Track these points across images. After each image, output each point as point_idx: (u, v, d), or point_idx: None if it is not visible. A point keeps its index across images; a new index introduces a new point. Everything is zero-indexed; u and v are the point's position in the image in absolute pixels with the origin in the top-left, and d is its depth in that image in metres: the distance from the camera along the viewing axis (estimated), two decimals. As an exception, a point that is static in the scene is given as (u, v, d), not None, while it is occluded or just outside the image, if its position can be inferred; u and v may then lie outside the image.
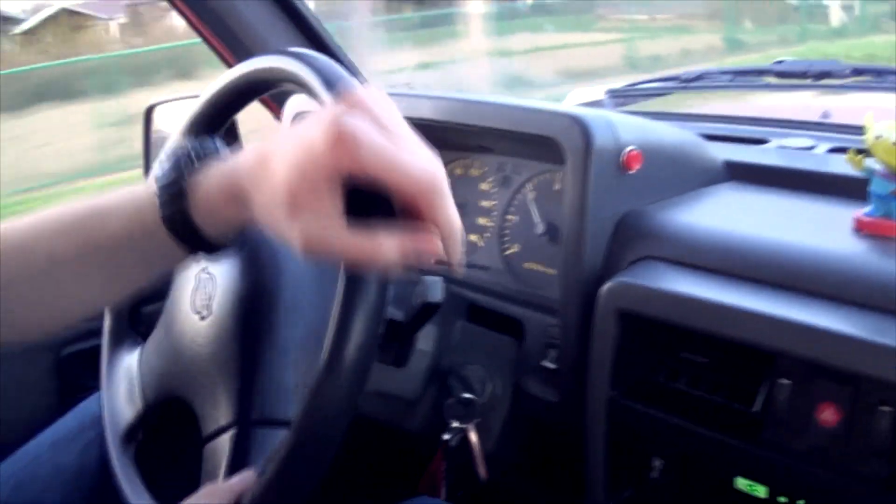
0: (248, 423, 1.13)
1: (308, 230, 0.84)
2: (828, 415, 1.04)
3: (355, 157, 0.80)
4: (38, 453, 1.43)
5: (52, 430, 1.47)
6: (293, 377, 1.15)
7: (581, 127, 1.30)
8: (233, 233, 0.97)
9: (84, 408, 1.48)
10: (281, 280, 1.17)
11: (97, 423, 1.40)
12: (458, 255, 0.89)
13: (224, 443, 1.14)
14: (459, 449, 1.38)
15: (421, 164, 0.83)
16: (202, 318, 1.20)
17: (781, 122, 1.76)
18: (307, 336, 1.16)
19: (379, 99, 0.86)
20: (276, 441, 1.07)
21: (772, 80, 1.78)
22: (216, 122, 1.27)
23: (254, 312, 1.16)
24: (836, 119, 1.75)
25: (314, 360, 1.01)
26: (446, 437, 1.37)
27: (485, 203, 1.60)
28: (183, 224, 0.95)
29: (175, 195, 0.95)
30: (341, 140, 0.80)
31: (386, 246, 0.83)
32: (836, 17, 15.29)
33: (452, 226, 0.87)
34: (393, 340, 1.22)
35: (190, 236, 0.96)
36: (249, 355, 1.14)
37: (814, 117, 1.79)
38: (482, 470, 1.37)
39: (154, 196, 0.96)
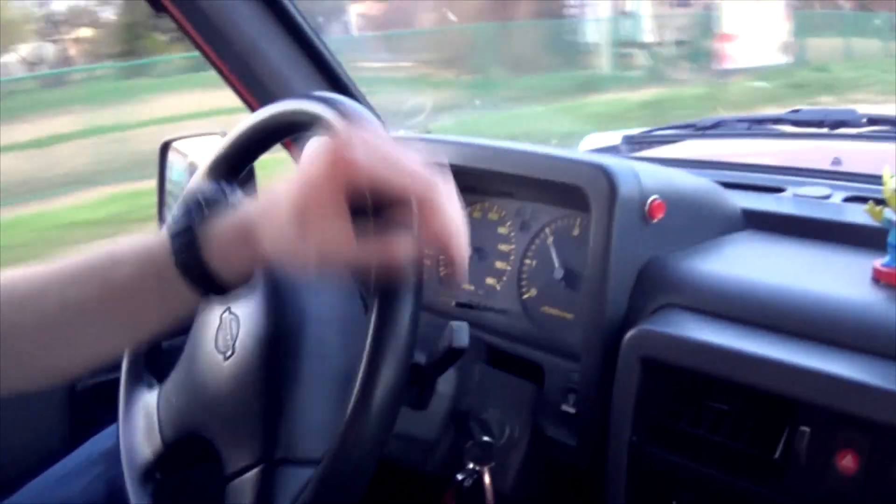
0: (272, 462, 1.15)
1: (320, 244, 0.88)
2: (847, 462, 1.06)
3: (353, 168, 0.85)
4: (44, 487, 1.44)
5: (61, 465, 1.49)
6: (317, 416, 1.17)
7: (606, 176, 1.33)
8: (246, 275, 1.01)
9: (93, 443, 1.50)
10: (304, 320, 1.20)
11: (105, 458, 1.43)
12: (463, 256, 0.95)
13: (248, 482, 1.16)
14: (472, 490, 1.40)
15: (416, 167, 0.88)
16: (226, 358, 1.22)
17: (796, 170, 1.78)
18: (331, 375, 1.19)
19: (369, 120, 0.96)
20: (300, 480, 1.09)
21: (788, 128, 1.81)
22: (240, 164, 1.30)
23: (277, 352, 1.18)
24: (846, 166, 1.77)
25: (338, 399, 1.04)
26: (460, 476, 1.39)
27: (503, 247, 1.62)
28: (196, 269, 0.98)
29: (187, 243, 0.98)
30: (339, 155, 0.86)
31: (397, 247, 0.88)
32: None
33: (454, 224, 0.92)
34: (414, 383, 1.24)
35: (203, 281, 0.99)
36: (273, 395, 1.16)
37: (824, 162, 1.81)
38: None
39: (167, 243, 0.99)
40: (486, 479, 1.39)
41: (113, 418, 1.41)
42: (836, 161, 1.81)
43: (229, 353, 1.22)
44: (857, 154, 1.80)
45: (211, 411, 1.23)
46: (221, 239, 0.98)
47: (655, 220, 1.35)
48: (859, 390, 1.05)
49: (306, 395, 1.17)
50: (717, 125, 1.87)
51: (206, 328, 1.27)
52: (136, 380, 1.37)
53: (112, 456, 1.40)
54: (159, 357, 1.37)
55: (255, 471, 1.15)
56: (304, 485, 1.03)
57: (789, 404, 1.11)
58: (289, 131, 1.26)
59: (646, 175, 1.36)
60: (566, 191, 1.39)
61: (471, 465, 1.38)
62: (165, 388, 1.32)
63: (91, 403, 1.78)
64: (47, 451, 1.51)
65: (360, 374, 0.99)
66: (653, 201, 1.34)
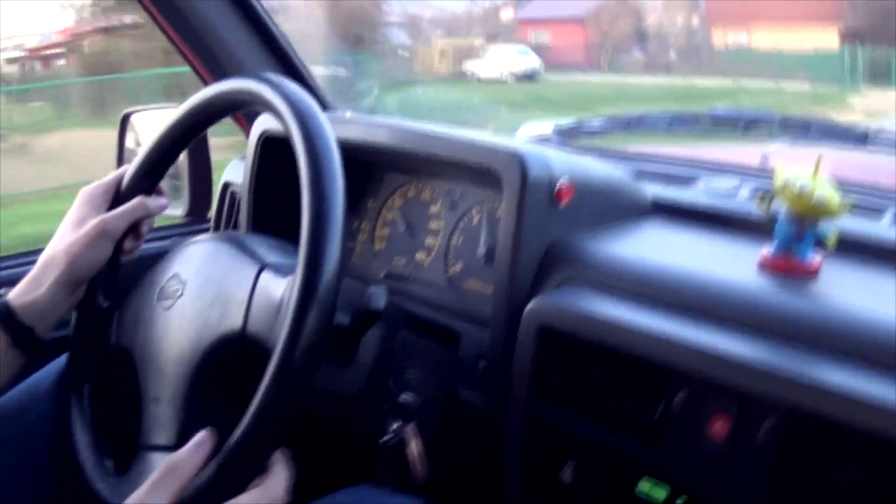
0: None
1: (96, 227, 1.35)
2: (718, 426, 1.15)
3: None
4: (11, 407, 1.47)
5: (27, 384, 1.50)
6: None
7: (518, 161, 1.41)
8: (59, 311, 1.35)
9: (58, 364, 1.53)
10: None
11: (50, 394, 1.47)
12: None
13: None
14: (396, 450, 1.47)
15: None
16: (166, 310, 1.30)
17: (716, 165, 1.85)
18: None
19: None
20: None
21: (705, 125, 1.89)
22: (190, 134, 1.38)
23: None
24: (772, 164, 1.83)
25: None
26: (384, 439, 1.46)
27: (433, 224, 1.71)
28: (9, 321, 1.31)
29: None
30: None
31: None
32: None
33: None
34: (338, 343, 1.30)
35: (16, 329, 1.31)
36: None
37: (754, 159, 1.88)
38: (420, 471, 1.45)
39: None
40: (411, 438, 1.45)
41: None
42: (765, 158, 1.88)
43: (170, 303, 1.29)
44: (790, 153, 1.87)
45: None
46: (22, 288, 1.32)
47: (563, 204, 1.43)
48: (730, 362, 1.14)
49: None
50: (640, 120, 1.94)
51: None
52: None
53: (60, 391, 1.46)
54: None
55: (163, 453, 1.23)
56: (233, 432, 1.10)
57: (668, 373, 1.20)
58: (235, 107, 1.35)
59: (557, 161, 1.44)
60: (488, 174, 1.46)
61: (394, 426, 1.45)
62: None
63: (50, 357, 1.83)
64: None
65: (287, 324, 1.06)
66: (561, 185, 1.42)
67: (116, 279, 1.42)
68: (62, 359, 1.48)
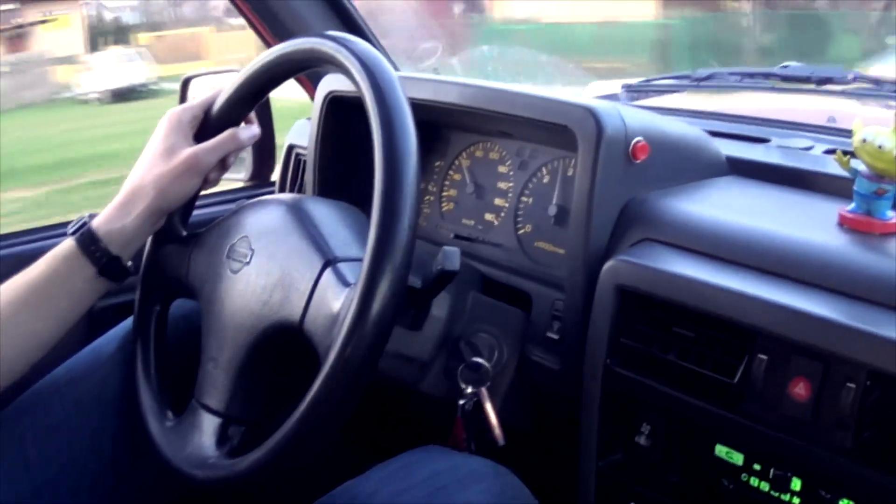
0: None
1: (187, 158, 1.36)
2: (800, 389, 1.13)
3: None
4: (50, 391, 1.48)
5: (65, 367, 1.51)
6: None
7: (593, 117, 1.39)
8: (140, 238, 1.39)
9: (95, 347, 1.53)
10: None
11: (114, 357, 1.49)
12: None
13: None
14: (474, 413, 1.46)
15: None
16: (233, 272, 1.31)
17: (786, 124, 1.83)
18: None
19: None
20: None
21: (776, 83, 1.86)
22: (257, 94, 1.39)
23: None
24: (840, 124, 1.82)
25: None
26: (462, 401, 1.46)
27: (502, 185, 1.70)
28: (93, 246, 1.32)
29: (83, 228, 1.33)
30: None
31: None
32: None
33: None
34: (410, 305, 1.30)
35: (101, 255, 1.33)
36: None
37: (821, 118, 1.86)
38: (498, 433, 1.44)
39: (69, 237, 1.33)
40: (486, 401, 1.44)
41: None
42: (832, 118, 1.85)
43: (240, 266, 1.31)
44: (854, 113, 1.84)
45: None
46: (108, 215, 1.34)
47: (639, 161, 1.41)
48: (814, 323, 1.12)
49: None
50: (710, 77, 1.92)
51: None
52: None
53: (123, 354, 1.48)
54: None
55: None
56: (309, 387, 1.11)
57: (749, 333, 1.18)
58: (303, 67, 1.35)
59: (631, 118, 1.42)
60: (561, 132, 1.45)
61: (469, 389, 1.45)
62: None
63: (108, 323, 1.85)
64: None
65: (361, 278, 1.08)
66: (637, 142, 1.40)
67: (193, 209, 1.46)
68: (126, 323, 1.51)
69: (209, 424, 1.28)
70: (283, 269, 1.24)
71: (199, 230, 1.42)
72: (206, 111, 1.42)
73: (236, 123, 1.42)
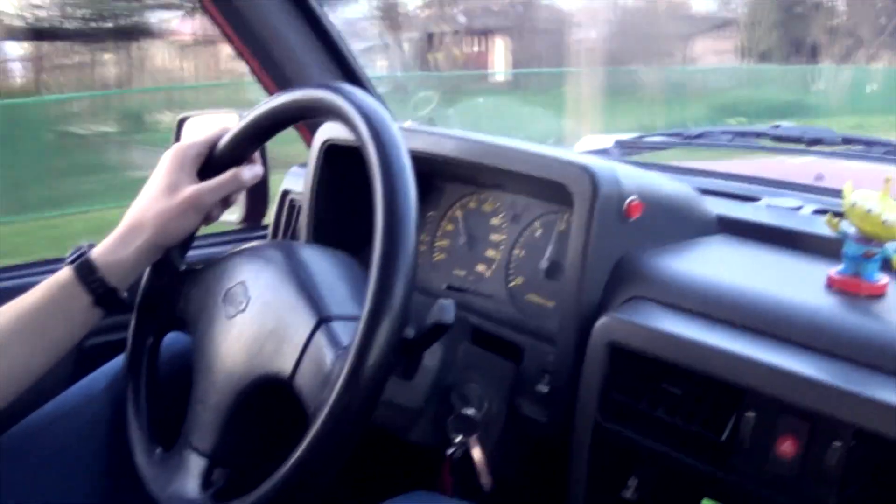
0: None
1: (188, 196, 1.36)
2: (787, 447, 1.15)
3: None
4: (47, 423, 1.48)
5: (61, 399, 1.52)
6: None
7: (589, 176, 1.41)
8: (136, 269, 1.37)
9: (91, 380, 1.54)
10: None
11: (106, 394, 1.49)
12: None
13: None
14: (462, 462, 1.46)
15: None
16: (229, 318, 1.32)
17: (775, 183, 1.85)
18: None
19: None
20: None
21: (768, 142, 1.89)
22: (259, 138, 1.41)
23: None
24: (828, 183, 1.84)
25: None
26: (450, 450, 1.46)
27: (494, 237, 1.71)
28: (90, 275, 1.32)
29: (81, 258, 1.32)
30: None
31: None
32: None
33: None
34: (402, 355, 1.31)
35: (97, 284, 1.32)
36: None
37: (809, 177, 1.88)
38: (486, 480, 1.45)
39: (66, 265, 1.32)
40: (475, 450, 1.44)
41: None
42: (819, 177, 1.88)
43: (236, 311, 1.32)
44: (840, 172, 1.87)
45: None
46: (108, 247, 1.34)
47: (633, 219, 1.43)
48: (801, 383, 1.14)
49: None
50: (701, 135, 1.94)
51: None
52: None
53: (113, 392, 1.49)
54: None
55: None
56: (300, 444, 1.11)
57: (737, 392, 1.20)
58: (308, 115, 1.36)
59: (626, 177, 1.45)
60: (554, 188, 1.46)
61: (458, 438, 1.45)
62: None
63: (97, 362, 1.85)
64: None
65: (356, 338, 1.08)
66: (631, 201, 1.42)
67: (191, 244, 1.47)
68: (116, 361, 1.51)
69: (195, 464, 1.29)
70: (277, 320, 1.25)
71: (196, 266, 1.43)
72: (211, 149, 1.42)
73: (239, 162, 1.42)
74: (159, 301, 1.45)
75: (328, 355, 1.17)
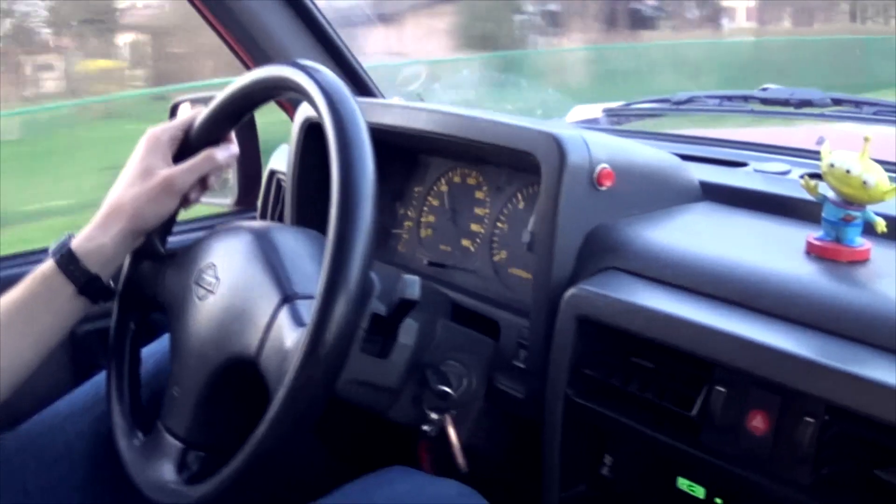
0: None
1: (164, 179, 1.34)
2: (758, 422, 1.10)
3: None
4: (51, 423, 1.47)
5: (66, 401, 1.52)
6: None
7: (556, 144, 1.36)
8: (117, 257, 1.36)
9: (98, 381, 1.53)
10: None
11: (85, 413, 1.48)
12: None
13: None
14: (439, 439, 1.44)
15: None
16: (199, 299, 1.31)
17: (765, 147, 1.80)
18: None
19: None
20: None
21: (756, 105, 1.83)
22: (233, 117, 1.39)
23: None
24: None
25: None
26: (426, 428, 1.43)
27: (478, 210, 1.67)
28: (72, 265, 1.31)
29: (63, 247, 1.31)
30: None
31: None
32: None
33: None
34: (377, 333, 1.29)
35: (79, 274, 1.31)
36: None
37: (810, 141, 1.82)
38: (461, 461, 1.42)
39: (49, 258, 1.31)
40: (450, 427, 1.42)
41: None
42: (821, 140, 1.82)
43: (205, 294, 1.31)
44: (843, 135, 1.82)
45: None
46: (86, 235, 1.32)
47: (604, 188, 1.38)
48: (772, 355, 1.08)
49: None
50: (689, 100, 1.90)
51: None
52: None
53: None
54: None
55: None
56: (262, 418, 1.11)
57: (707, 365, 1.15)
58: (275, 93, 1.35)
59: (596, 144, 1.39)
60: (528, 158, 1.42)
61: (434, 416, 1.43)
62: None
63: (91, 348, 1.83)
64: (48, 393, 1.54)
65: (312, 317, 1.06)
66: (601, 169, 1.37)
67: (172, 228, 1.47)
68: (101, 376, 1.50)
69: (171, 449, 1.28)
70: (244, 300, 1.24)
71: (175, 251, 1.42)
72: (186, 131, 1.41)
73: (215, 144, 1.41)
74: (140, 286, 1.44)
75: (289, 334, 1.16)
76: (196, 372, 1.27)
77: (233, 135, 1.44)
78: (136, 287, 1.44)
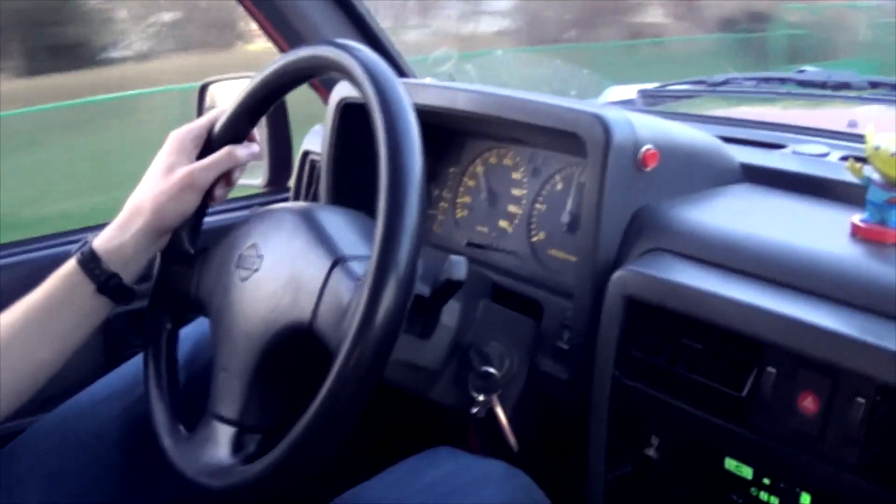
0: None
1: (185, 176, 1.35)
2: (808, 403, 1.10)
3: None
4: (86, 407, 1.48)
5: (102, 383, 1.52)
6: None
7: (602, 125, 1.37)
8: (142, 258, 1.36)
9: (133, 364, 1.54)
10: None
11: (118, 398, 1.49)
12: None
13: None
14: (486, 420, 1.44)
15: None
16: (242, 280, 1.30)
17: (803, 129, 1.80)
18: None
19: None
20: None
21: (793, 88, 1.83)
22: (257, 110, 1.38)
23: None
24: (861, 129, 1.78)
25: None
26: (474, 410, 1.44)
27: (515, 191, 1.68)
28: (95, 266, 1.31)
29: (85, 248, 1.32)
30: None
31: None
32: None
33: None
34: (419, 314, 1.29)
35: (103, 277, 1.31)
36: None
37: (841, 124, 1.83)
38: (512, 441, 1.43)
39: (71, 259, 1.31)
40: (498, 408, 1.42)
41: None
42: (852, 123, 1.82)
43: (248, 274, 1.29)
44: (875, 118, 1.81)
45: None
46: (108, 234, 1.34)
47: (649, 169, 1.39)
48: (823, 336, 1.09)
49: None
50: (726, 82, 1.90)
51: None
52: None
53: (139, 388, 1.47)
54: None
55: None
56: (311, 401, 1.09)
57: (758, 346, 1.16)
58: (308, 76, 1.34)
59: (641, 125, 1.40)
60: (571, 139, 1.42)
61: (480, 398, 1.43)
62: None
63: (124, 329, 1.84)
64: (81, 375, 1.54)
65: (369, 274, 1.06)
66: (646, 150, 1.38)
67: (201, 226, 1.44)
68: (136, 360, 1.50)
69: (224, 434, 1.26)
70: (292, 271, 1.23)
71: (207, 247, 1.41)
72: (209, 131, 1.41)
73: (240, 140, 1.41)
74: (173, 287, 1.43)
75: (346, 290, 1.15)
76: (246, 351, 1.25)
77: (255, 132, 1.45)
78: (169, 287, 1.43)
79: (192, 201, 1.37)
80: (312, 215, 1.29)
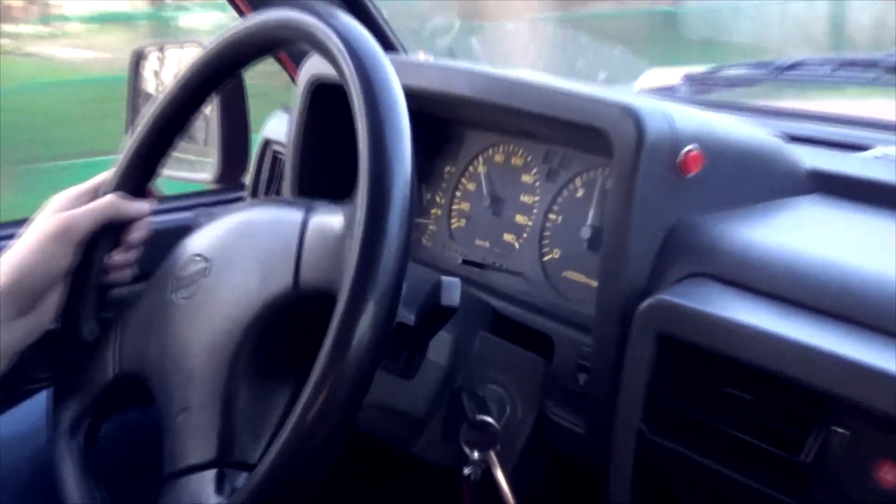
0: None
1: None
2: (888, 473, 1.07)
3: None
4: None
5: (1, 424, 1.52)
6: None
7: (633, 118, 1.34)
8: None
9: (38, 402, 1.53)
10: None
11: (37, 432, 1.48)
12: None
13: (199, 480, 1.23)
14: (483, 483, 1.43)
15: None
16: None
17: (892, 127, 1.78)
18: None
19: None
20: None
21: (882, 74, 1.81)
22: (220, 77, 1.37)
23: None
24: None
25: None
26: (467, 471, 1.42)
27: (525, 198, 1.66)
28: None
29: None
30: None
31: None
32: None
33: None
34: (402, 347, 1.28)
35: None
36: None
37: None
38: None
39: None
40: (498, 471, 1.41)
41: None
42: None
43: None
44: None
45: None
46: None
47: (690, 175, 1.36)
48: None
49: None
50: (795, 66, 1.88)
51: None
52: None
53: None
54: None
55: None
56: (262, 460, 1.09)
57: (824, 400, 1.13)
58: (275, 46, 1.33)
59: (683, 120, 1.38)
60: (595, 135, 1.40)
61: (475, 454, 1.41)
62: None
63: (25, 360, 1.83)
64: None
65: (334, 323, 1.04)
66: (688, 152, 1.35)
67: (93, 307, 1.42)
68: (41, 397, 1.53)
69: (199, 483, 1.23)
70: (255, 251, 1.24)
71: (114, 315, 1.41)
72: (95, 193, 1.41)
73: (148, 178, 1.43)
74: (80, 381, 1.41)
75: (334, 225, 1.15)
76: (210, 369, 1.24)
77: (153, 187, 1.46)
78: (73, 383, 1.41)
79: (64, 255, 1.34)
80: (270, 197, 1.30)
